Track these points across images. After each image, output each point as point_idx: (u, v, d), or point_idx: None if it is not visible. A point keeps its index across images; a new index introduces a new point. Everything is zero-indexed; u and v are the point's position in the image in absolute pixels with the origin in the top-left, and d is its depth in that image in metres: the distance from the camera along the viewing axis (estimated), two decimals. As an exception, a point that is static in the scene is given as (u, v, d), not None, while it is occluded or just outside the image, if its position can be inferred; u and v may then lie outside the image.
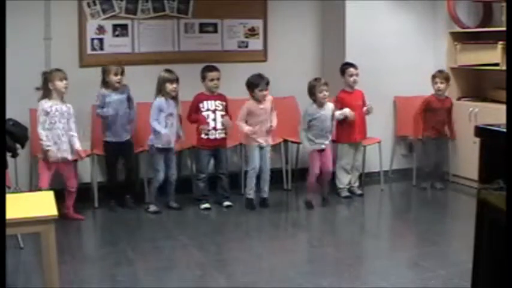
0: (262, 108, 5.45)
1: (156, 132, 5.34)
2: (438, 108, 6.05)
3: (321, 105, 5.44)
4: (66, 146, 5.11)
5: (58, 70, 5.11)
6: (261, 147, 5.49)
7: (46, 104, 5.01)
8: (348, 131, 5.84)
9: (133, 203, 5.53)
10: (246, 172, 5.80)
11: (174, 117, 5.43)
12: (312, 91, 5.46)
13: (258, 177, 5.56)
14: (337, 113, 5.68)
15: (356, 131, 5.87)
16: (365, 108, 5.85)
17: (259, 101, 5.44)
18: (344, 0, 6.29)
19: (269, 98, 5.50)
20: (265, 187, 5.60)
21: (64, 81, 5.06)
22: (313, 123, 5.43)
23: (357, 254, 4.57)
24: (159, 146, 5.40)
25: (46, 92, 5.05)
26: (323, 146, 5.48)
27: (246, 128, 5.41)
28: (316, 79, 5.53)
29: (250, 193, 5.54)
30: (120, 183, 5.57)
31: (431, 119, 6.06)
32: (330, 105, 5.53)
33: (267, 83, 5.42)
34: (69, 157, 5.13)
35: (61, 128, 5.06)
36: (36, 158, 5.21)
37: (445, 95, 6.11)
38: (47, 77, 5.04)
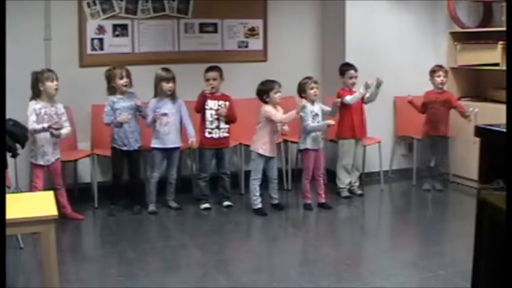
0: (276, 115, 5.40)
1: (155, 131, 5.38)
2: (439, 102, 6.02)
3: (311, 102, 5.47)
4: (52, 148, 5.07)
5: (49, 71, 5.05)
6: (267, 157, 5.45)
7: (36, 105, 4.97)
8: (348, 127, 5.84)
9: (137, 207, 5.48)
10: (245, 173, 5.80)
11: (170, 117, 5.41)
12: (303, 88, 5.49)
13: (266, 185, 5.53)
14: (360, 90, 5.67)
15: (356, 127, 5.87)
16: (375, 81, 5.73)
17: (274, 106, 5.39)
18: (344, 0, 6.30)
19: (280, 109, 5.44)
20: (275, 194, 5.58)
21: (55, 82, 4.99)
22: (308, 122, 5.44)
23: (356, 254, 4.57)
24: (158, 146, 5.42)
25: (36, 92, 4.99)
26: (317, 147, 5.48)
27: (288, 114, 5.28)
28: (306, 77, 5.56)
29: (257, 203, 5.46)
30: (123, 185, 5.52)
31: (432, 116, 6.04)
32: (319, 104, 5.55)
33: (280, 86, 5.39)
34: (53, 159, 5.10)
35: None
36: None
37: (444, 89, 6.10)
38: (38, 77, 4.98)
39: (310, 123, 5.43)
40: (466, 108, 5.99)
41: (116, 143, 5.34)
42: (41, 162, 5.04)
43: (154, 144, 5.45)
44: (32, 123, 4.88)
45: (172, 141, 5.45)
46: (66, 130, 5.12)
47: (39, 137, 4.99)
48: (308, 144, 5.48)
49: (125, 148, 5.34)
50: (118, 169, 5.44)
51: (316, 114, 5.47)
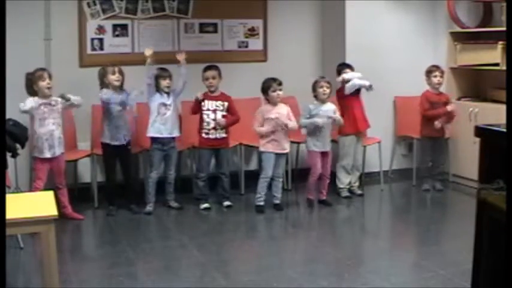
0: (276, 113, 5.39)
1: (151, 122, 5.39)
2: (436, 103, 6.01)
3: (322, 101, 5.48)
4: (57, 141, 5.08)
5: (41, 69, 5.04)
6: (277, 154, 5.44)
7: (33, 101, 4.97)
8: (350, 122, 5.81)
9: (134, 206, 5.46)
10: (245, 173, 5.80)
11: (168, 109, 5.40)
12: (314, 87, 5.51)
13: (270, 183, 5.53)
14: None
15: (358, 121, 5.85)
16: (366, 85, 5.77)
17: (274, 104, 5.41)
18: (344, 0, 6.30)
19: (284, 106, 5.44)
20: (278, 193, 5.55)
21: (46, 81, 4.99)
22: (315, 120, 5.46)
23: (357, 254, 4.57)
24: (156, 135, 5.39)
25: (31, 92, 5.00)
26: (323, 150, 5.50)
27: (264, 130, 5.35)
28: (320, 77, 5.61)
29: (260, 200, 5.47)
30: (119, 185, 5.49)
31: (427, 120, 6.03)
32: (331, 106, 5.55)
33: (279, 84, 5.39)
34: (58, 152, 5.09)
35: (52, 124, 5.04)
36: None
37: (440, 90, 6.09)
38: (31, 78, 4.99)
39: (303, 119, 5.46)
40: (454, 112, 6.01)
41: (106, 138, 5.32)
42: (48, 155, 5.03)
43: (150, 133, 5.41)
44: (22, 106, 4.87)
45: (169, 131, 5.43)
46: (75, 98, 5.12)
47: (43, 131, 4.99)
48: (312, 146, 5.49)
49: (115, 143, 5.32)
50: (110, 166, 5.42)
51: (324, 117, 5.45)
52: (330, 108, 5.51)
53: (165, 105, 5.40)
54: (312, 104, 5.49)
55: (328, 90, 5.48)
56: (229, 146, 5.71)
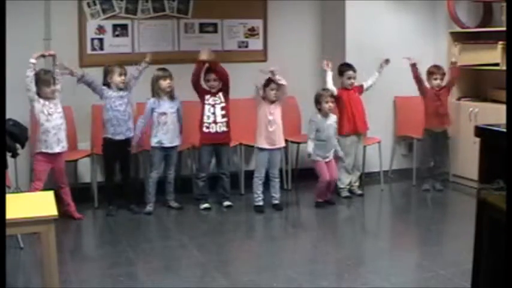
0: (272, 113, 5.38)
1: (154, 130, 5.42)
2: (437, 95, 6.01)
3: (325, 115, 5.51)
4: (64, 134, 5.09)
5: (46, 73, 5.03)
6: (271, 152, 5.44)
7: (40, 100, 4.99)
8: (348, 121, 5.82)
9: (134, 206, 5.47)
10: (245, 173, 5.80)
11: (168, 117, 5.41)
12: (318, 100, 5.54)
13: (267, 183, 5.52)
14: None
15: (357, 121, 5.86)
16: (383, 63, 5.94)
17: (271, 102, 5.40)
18: (344, 0, 6.30)
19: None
20: (276, 194, 5.53)
21: (51, 87, 5.00)
22: (318, 135, 5.49)
23: (357, 254, 4.57)
24: (157, 145, 5.41)
25: (38, 90, 5.00)
26: (327, 159, 5.53)
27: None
28: (323, 89, 5.63)
29: (259, 200, 5.47)
30: (118, 184, 5.50)
31: (434, 108, 5.99)
32: (333, 117, 5.59)
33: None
34: (66, 146, 5.11)
35: (59, 118, 5.06)
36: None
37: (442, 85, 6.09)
38: (37, 79, 4.98)
39: (311, 136, 5.49)
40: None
41: (109, 132, 5.31)
42: (57, 150, 5.04)
43: (153, 143, 5.44)
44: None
45: (170, 140, 5.45)
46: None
47: (51, 124, 5.00)
48: (316, 156, 5.49)
49: (117, 138, 5.30)
50: (109, 164, 5.42)
51: (328, 129, 5.50)
52: (332, 122, 5.56)
53: (164, 114, 5.40)
54: (315, 116, 5.52)
55: (333, 105, 5.54)
56: (230, 142, 5.64)
